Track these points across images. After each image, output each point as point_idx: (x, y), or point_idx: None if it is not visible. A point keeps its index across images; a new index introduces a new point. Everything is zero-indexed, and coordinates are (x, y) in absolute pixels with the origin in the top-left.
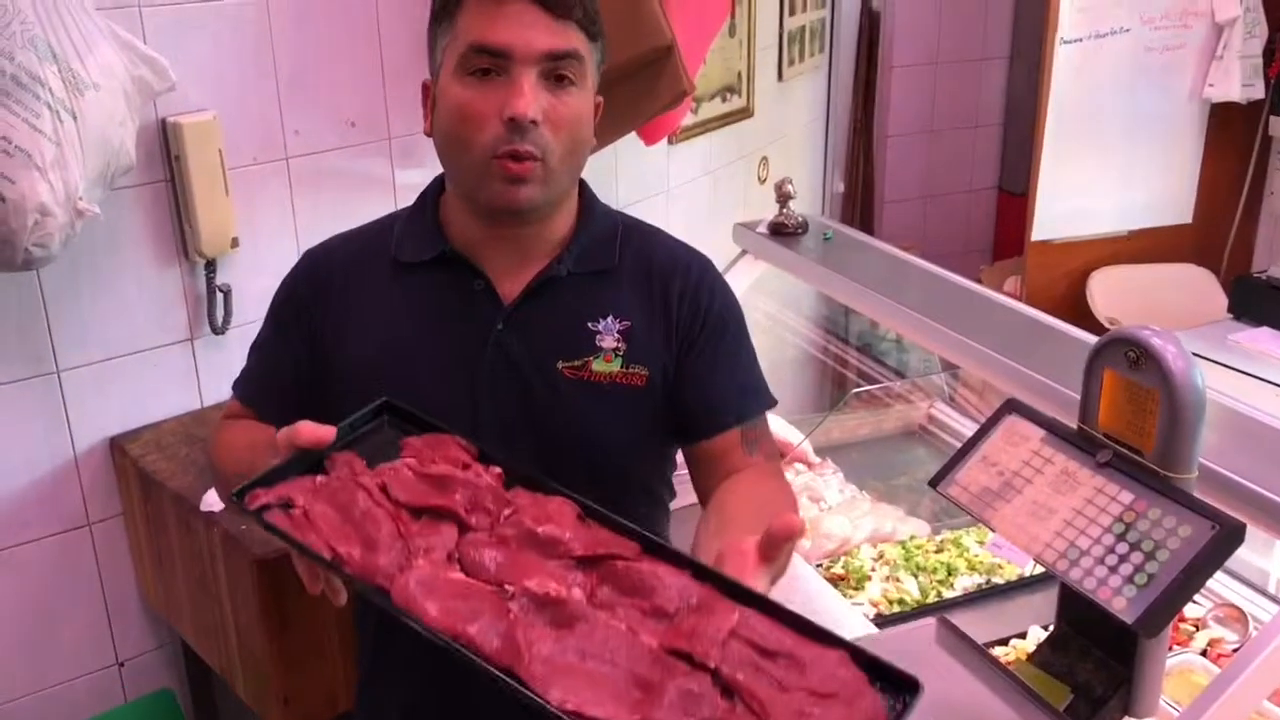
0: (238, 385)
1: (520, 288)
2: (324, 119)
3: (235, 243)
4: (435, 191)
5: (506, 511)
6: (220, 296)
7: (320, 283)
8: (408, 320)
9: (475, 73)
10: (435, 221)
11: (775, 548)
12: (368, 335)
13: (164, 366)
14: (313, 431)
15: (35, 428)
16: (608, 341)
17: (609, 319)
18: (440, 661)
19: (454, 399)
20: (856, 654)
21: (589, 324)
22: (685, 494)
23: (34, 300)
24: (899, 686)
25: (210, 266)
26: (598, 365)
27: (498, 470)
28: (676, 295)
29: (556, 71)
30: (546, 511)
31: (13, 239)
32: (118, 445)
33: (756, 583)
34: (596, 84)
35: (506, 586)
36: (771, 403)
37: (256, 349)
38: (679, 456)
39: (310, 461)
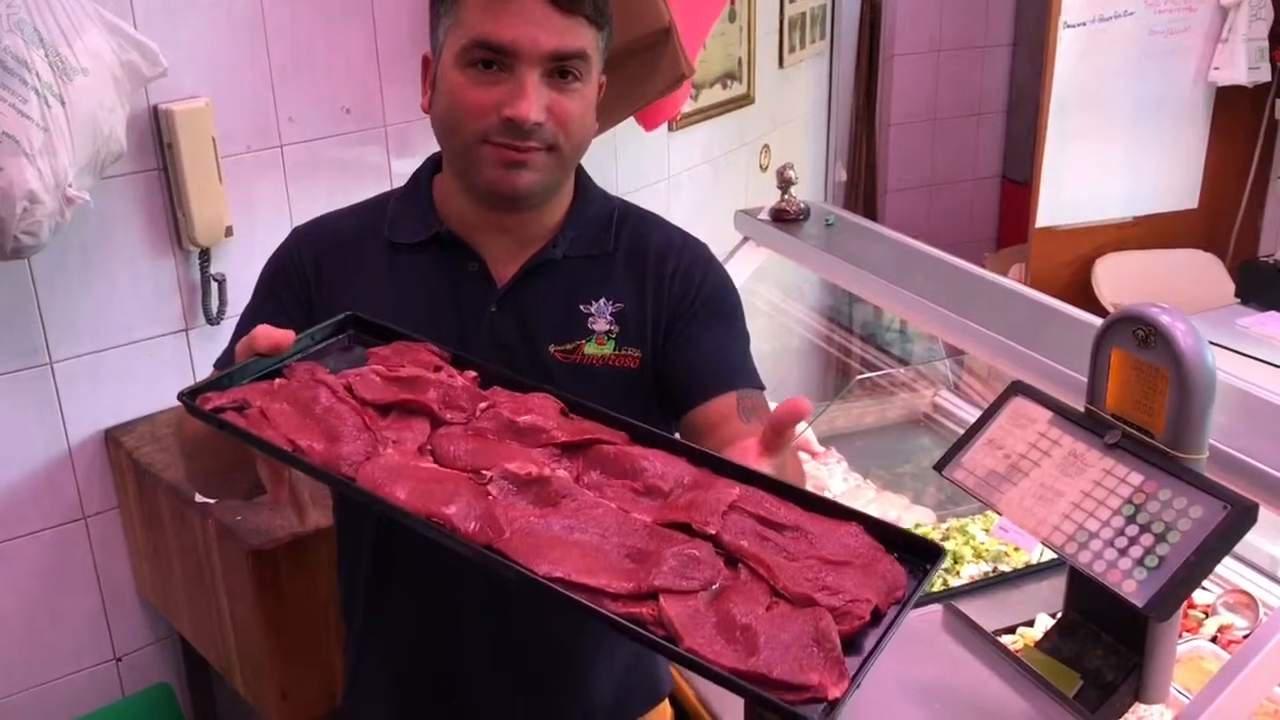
0: (220, 362)
1: (514, 270)
2: (319, 106)
3: (229, 231)
4: (429, 172)
5: (483, 405)
6: (215, 286)
7: (314, 259)
8: (401, 301)
9: (477, 64)
10: (429, 202)
11: (780, 434)
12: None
13: (158, 357)
14: (269, 334)
15: (29, 420)
16: (600, 324)
17: (601, 301)
18: (428, 647)
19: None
20: (870, 525)
21: (581, 306)
22: None
23: (25, 290)
24: (917, 554)
25: (204, 256)
26: (590, 348)
27: (472, 374)
28: (669, 274)
29: (562, 69)
30: (527, 405)
31: (2, 226)
32: (112, 437)
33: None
34: (602, 66)
35: (484, 472)
36: (761, 386)
37: (243, 322)
38: None
39: (269, 370)
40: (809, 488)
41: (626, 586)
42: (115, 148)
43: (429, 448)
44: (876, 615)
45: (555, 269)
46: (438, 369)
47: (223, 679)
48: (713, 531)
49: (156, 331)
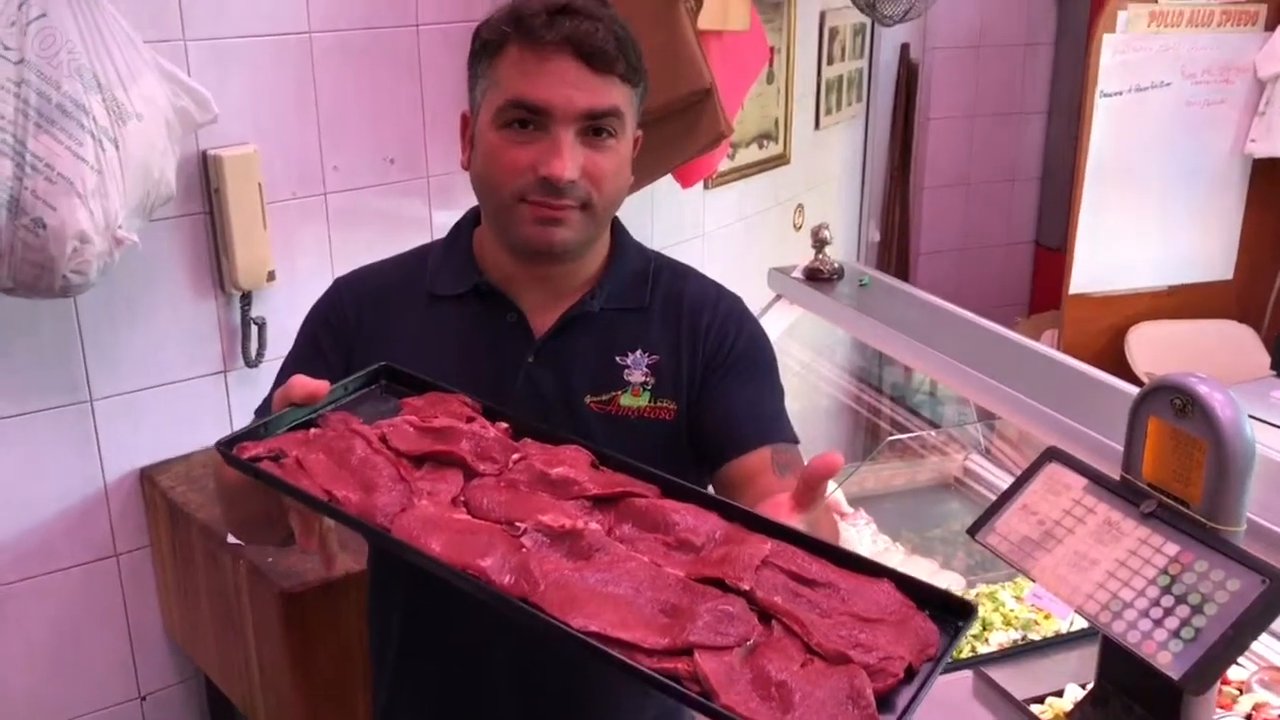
0: (260, 411)
1: (551, 321)
2: (363, 155)
3: (271, 276)
4: (470, 224)
5: (515, 457)
6: (255, 329)
7: (356, 309)
8: (441, 351)
9: (513, 124)
10: (469, 254)
11: (813, 489)
12: (401, 365)
13: (196, 398)
14: (304, 384)
15: (67, 456)
16: (636, 376)
17: (638, 354)
18: (459, 691)
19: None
20: (902, 581)
21: (617, 358)
22: None
23: (70, 328)
24: (949, 612)
25: (246, 299)
26: (625, 400)
27: (504, 425)
28: (704, 327)
29: (596, 127)
30: (559, 457)
31: (51, 265)
32: (148, 476)
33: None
34: (637, 121)
35: (518, 524)
36: (797, 441)
37: (284, 372)
38: None
39: (304, 420)
40: None
41: (661, 642)
42: (165, 191)
43: (462, 499)
44: (910, 672)
45: (592, 321)
46: (470, 420)
47: None
48: (746, 587)
49: (196, 373)
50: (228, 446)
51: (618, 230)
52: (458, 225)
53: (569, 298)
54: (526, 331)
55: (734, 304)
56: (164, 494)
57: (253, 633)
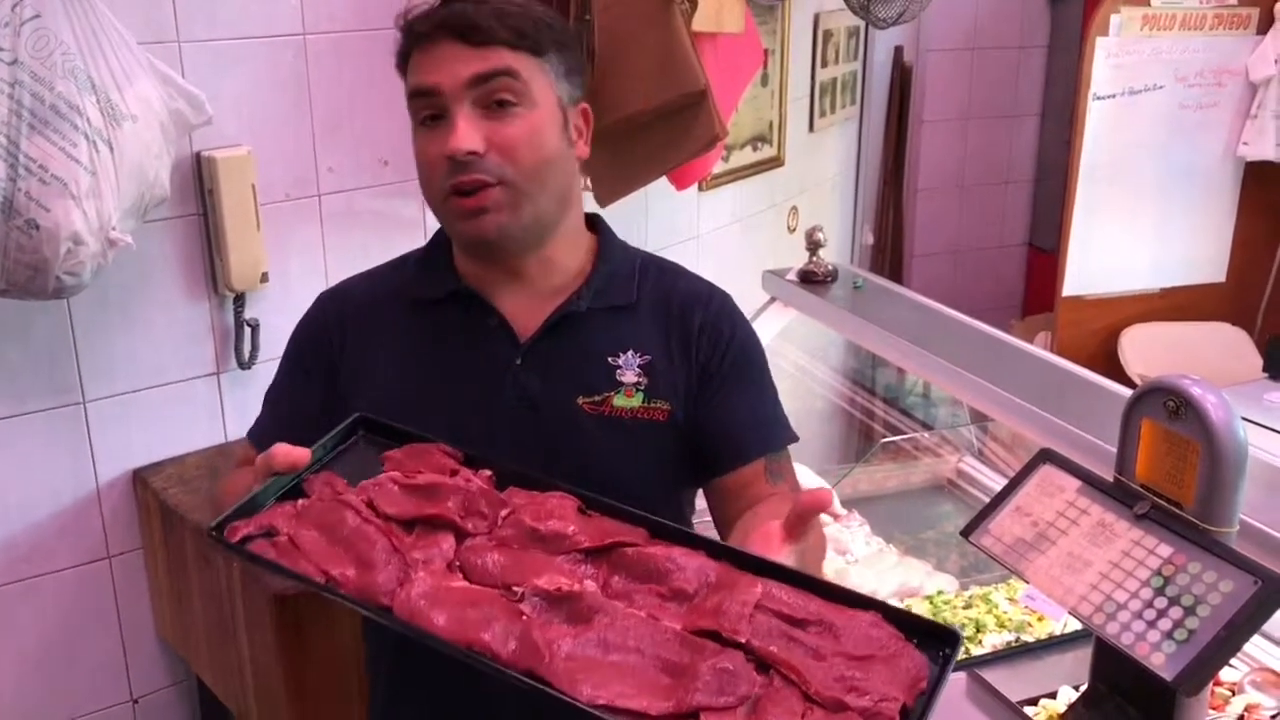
0: (255, 434)
1: (536, 324)
2: (357, 157)
3: (265, 278)
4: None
5: (503, 513)
6: (248, 331)
7: (338, 324)
8: (424, 360)
9: (425, 121)
10: (448, 259)
11: (803, 522)
12: (385, 376)
13: (189, 400)
14: (287, 454)
15: (60, 458)
16: (628, 376)
17: (629, 354)
18: (456, 707)
19: (473, 437)
20: (888, 613)
21: (609, 359)
22: None
23: (63, 330)
24: (935, 640)
25: (239, 301)
26: (619, 400)
27: (487, 473)
28: (696, 328)
29: (493, 97)
30: (546, 508)
31: (45, 267)
32: (140, 478)
33: (781, 560)
34: (571, 95)
35: (515, 588)
36: (794, 437)
37: (273, 393)
38: (698, 500)
39: (289, 487)
40: (831, 551)
41: (666, 707)
42: (159, 192)
43: (457, 564)
44: (905, 712)
45: (579, 321)
46: (454, 472)
47: None
48: (742, 640)
49: (189, 374)
50: (218, 530)
51: (602, 230)
52: (438, 231)
53: (551, 298)
54: (510, 335)
55: (724, 303)
56: (157, 495)
57: (245, 635)
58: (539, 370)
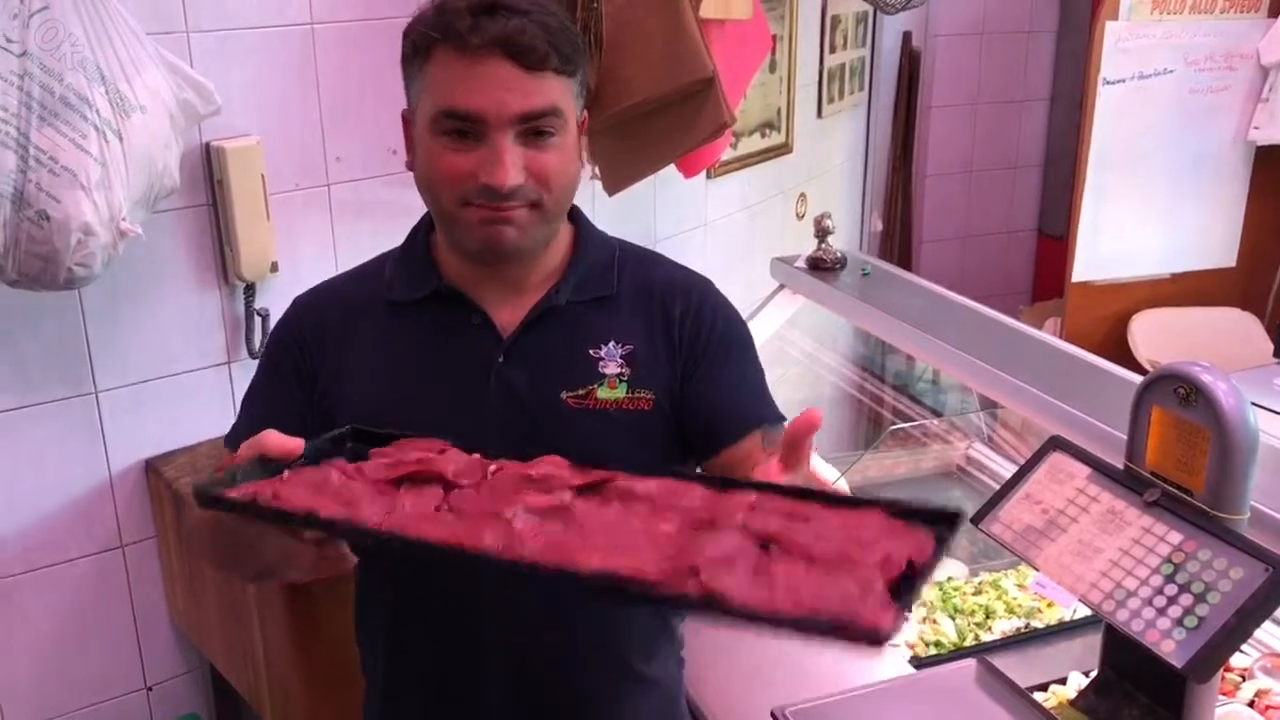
0: (231, 439)
1: (518, 319)
2: (366, 147)
3: (275, 267)
4: (426, 228)
5: (492, 468)
6: (258, 320)
7: (314, 328)
8: (406, 360)
9: (450, 133)
10: (428, 258)
11: (797, 448)
12: (366, 379)
13: (200, 389)
14: (282, 442)
15: (72, 448)
16: (611, 367)
17: (611, 345)
18: (449, 708)
19: (460, 436)
20: (892, 509)
21: (591, 351)
22: None
23: (75, 320)
24: (941, 523)
25: (249, 290)
26: (602, 392)
27: (477, 456)
28: (678, 316)
29: (535, 129)
30: (538, 463)
31: (56, 258)
32: (152, 467)
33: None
34: (582, 108)
35: (504, 514)
36: (784, 417)
37: (251, 399)
38: None
39: (273, 474)
40: None
41: (665, 568)
42: (169, 183)
43: (446, 506)
44: (911, 567)
45: (560, 315)
46: (442, 451)
47: (252, 710)
48: (740, 523)
49: (200, 364)
50: (202, 495)
51: (580, 221)
52: (414, 230)
53: (532, 293)
54: (493, 332)
55: (705, 288)
56: (169, 485)
57: (258, 622)
58: (522, 366)
